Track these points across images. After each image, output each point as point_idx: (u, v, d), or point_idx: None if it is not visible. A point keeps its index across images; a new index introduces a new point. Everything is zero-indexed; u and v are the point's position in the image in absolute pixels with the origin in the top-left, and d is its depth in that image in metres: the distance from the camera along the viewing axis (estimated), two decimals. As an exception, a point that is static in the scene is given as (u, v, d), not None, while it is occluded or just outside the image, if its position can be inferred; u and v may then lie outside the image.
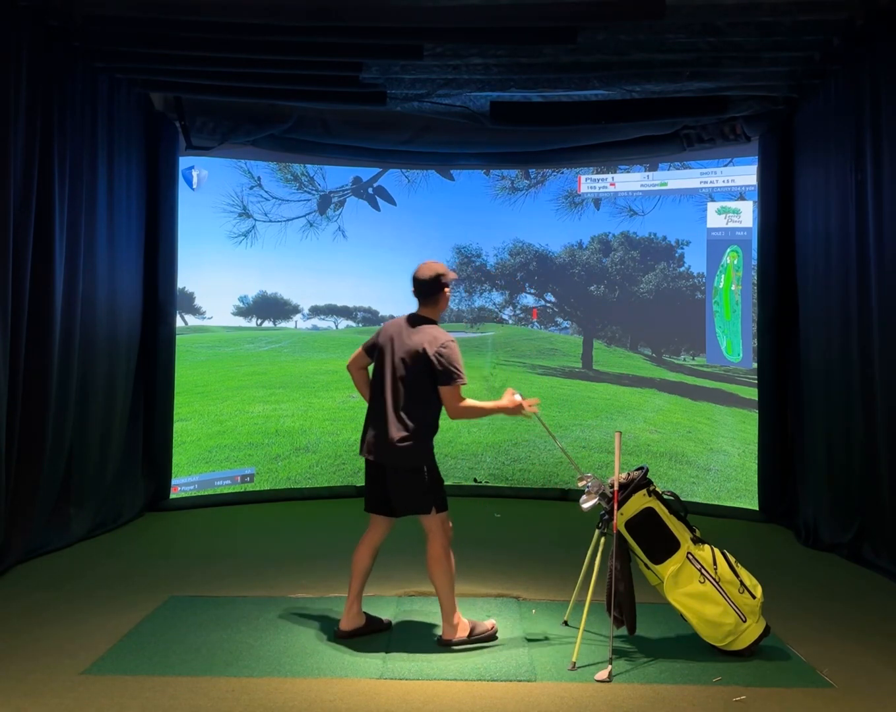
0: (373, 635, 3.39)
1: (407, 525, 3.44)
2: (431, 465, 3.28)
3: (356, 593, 3.39)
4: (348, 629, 3.37)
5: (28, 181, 4.23)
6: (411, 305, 3.43)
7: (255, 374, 6.48)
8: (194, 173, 6.10)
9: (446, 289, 3.36)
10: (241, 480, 6.13)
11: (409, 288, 3.39)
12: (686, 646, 3.33)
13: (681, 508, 3.39)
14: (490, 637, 3.37)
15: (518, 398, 3.31)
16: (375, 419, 3.32)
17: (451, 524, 3.35)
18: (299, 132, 6.08)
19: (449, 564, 3.29)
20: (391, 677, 3.01)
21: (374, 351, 3.40)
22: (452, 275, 3.40)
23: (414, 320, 3.34)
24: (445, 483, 3.38)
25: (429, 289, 3.33)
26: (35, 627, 3.44)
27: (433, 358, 3.18)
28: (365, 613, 3.44)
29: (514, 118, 5.66)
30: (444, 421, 3.32)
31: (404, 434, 3.22)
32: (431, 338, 3.23)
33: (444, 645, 3.31)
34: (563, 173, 6.66)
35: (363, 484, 3.45)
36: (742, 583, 3.26)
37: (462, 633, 3.32)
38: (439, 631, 3.40)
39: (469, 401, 3.23)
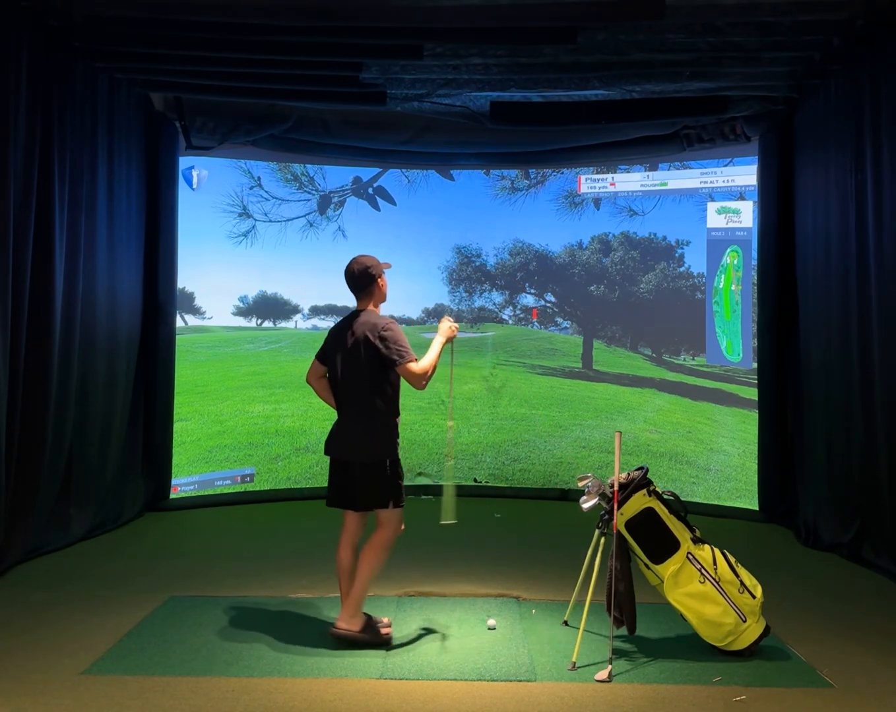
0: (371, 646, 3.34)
1: (406, 525, 3.44)
2: (394, 458, 3.31)
3: (347, 593, 3.38)
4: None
5: (28, 181, 4.23)
6: (409, 304, 3.44)
7: (255, 374, 6.48)
8: (194, 173, 6.10)
9: (379, 281, 3.39)
10: (241, 480, 6.13)
11: (408, 287, 3.40)
12: (686, 646, 3.33)
13: (681, 508, 3.39)
14: (384, 639, 3.30)
15: (448, 324, 3.38)
16: (339, 418, 3.39)
17: (403, 526, 3.37)
18: (299, 132, 6.08)
19: (384, 558, 3.33)
20: (391, 677, 3.01)
21: (326, 357, 3.43)
22: (384, 266, 3.42)
23: (353, 315, 3.39)
24: (445, 483, 3.37)
25: (360, 282, 3.37)
26: (35, 627, 3.44)
27: (377, 343, 3.22)
28: (364, 613, 3.43)
29: (514, 118, 5.66)
30: (443, 418, 3.32)
31: (366, 427, 3.28)
32: (371, 325, 3.27)
33: (339, 633, 3.25)
34: (563, 173, 6.65)
35: None
36: (742, 583, 3.26)
37: (357, 627, 3.28)
38: (440, 631, 3.41)
39: (423, 364, 3.23)
